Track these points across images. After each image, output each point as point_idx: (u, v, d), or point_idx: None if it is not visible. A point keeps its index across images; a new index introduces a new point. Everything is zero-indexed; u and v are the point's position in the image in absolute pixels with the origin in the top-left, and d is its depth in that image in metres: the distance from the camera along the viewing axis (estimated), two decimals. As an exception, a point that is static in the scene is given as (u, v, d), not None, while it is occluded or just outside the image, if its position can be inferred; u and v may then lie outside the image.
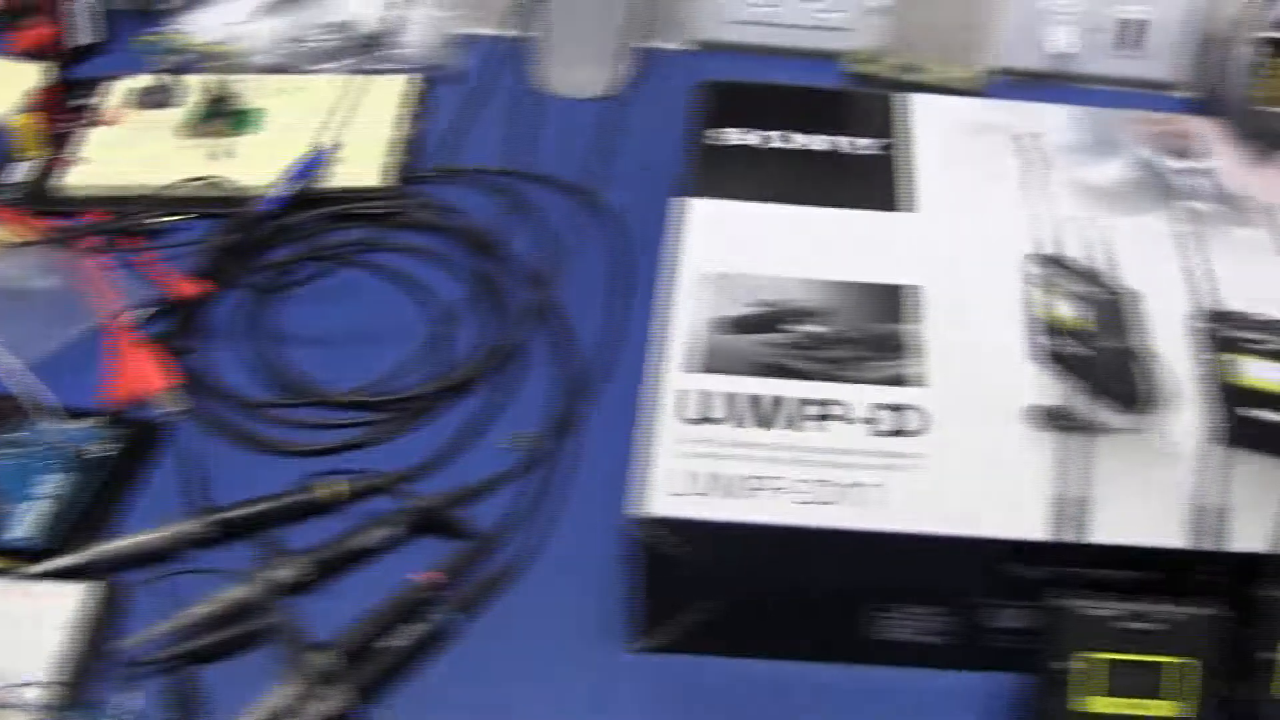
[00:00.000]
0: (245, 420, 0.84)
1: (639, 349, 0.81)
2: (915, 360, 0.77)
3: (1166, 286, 0.81)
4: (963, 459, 0.72)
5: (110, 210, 0.95)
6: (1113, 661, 0.67)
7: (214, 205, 0.96)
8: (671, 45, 1.15)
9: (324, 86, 1.06)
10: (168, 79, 1.05)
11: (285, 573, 0.74)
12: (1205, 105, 1.05)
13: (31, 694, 0.67)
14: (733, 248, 0.83)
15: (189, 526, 0.76)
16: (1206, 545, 0.69)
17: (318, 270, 0.94)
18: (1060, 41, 1.10)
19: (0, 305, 0.88)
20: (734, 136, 0.91)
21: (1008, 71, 1.12)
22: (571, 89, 1.09)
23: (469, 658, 0.73)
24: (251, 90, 1.04)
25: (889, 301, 0.80)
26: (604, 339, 0.89)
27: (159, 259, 0.91)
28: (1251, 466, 0.72)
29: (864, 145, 0.91)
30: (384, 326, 0.90)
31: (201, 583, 0.73)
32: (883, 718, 0.72)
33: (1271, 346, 0.78)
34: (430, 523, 0.78)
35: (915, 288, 0.81)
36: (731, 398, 0.74)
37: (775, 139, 0.91)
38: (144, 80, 1.05)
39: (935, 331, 0.78)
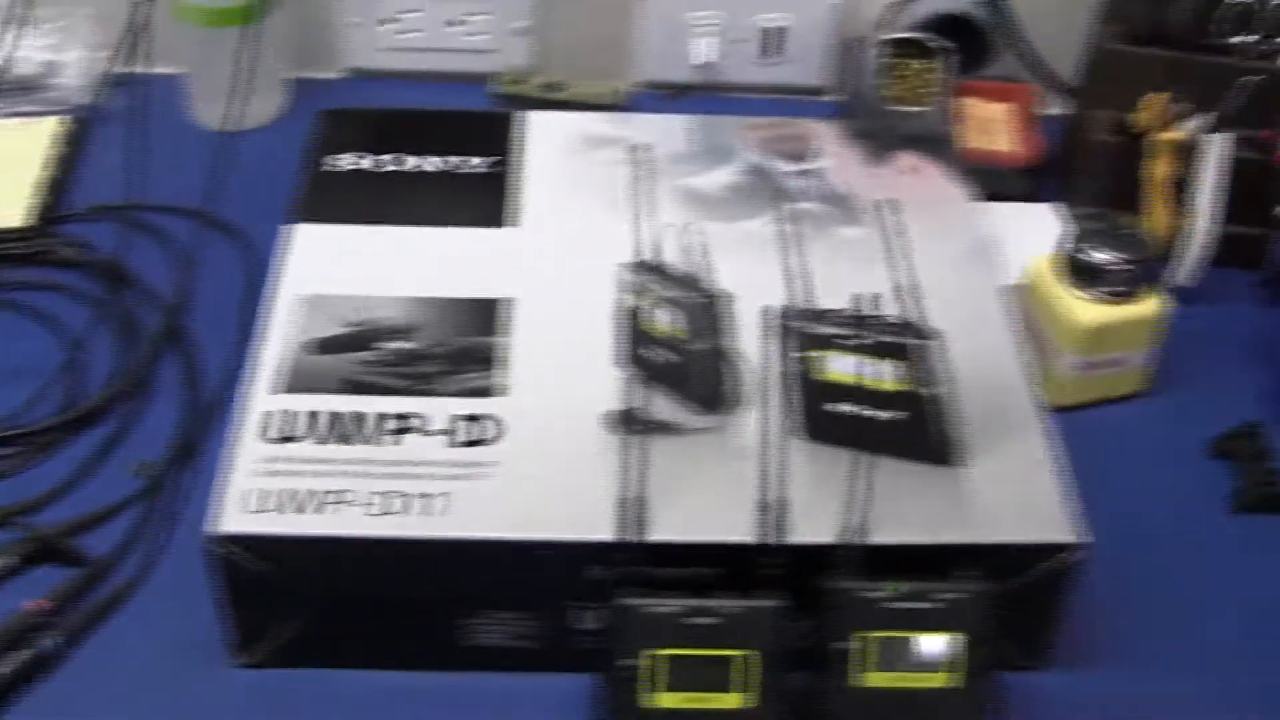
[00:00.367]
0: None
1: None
2: (501, 372, 0.77)
3: (764, 288, 0.83)
4: (535, 465, 0.73)
5: None
6: (674, 657, 0.68)
7: None
8: (329, 75, 1.15)
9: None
10: None
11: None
12: (845, 108, 1.08)
13: None
14: (332, 270, 0.84)
15: None
16: (770, 539, 0.70)
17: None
18: (703, 53, 1.12)
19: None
20: (347, 162, 0.92)
21: (653, 85, 1.14)
22: (225, 122, 1.07)
23: (75, 683, 0.73)
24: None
25: (482, 316, 0.81)
26: (233, 365, 0.88)
27: None
28: (819, 461, 0.74)
29: (477, 164, 0.92)
30: (18, 363, 0.90)
31: None
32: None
33: (856, 342, 0.80)
34: (46, 552, 0.78)
35: (510, 301, 0.81)
36: (314, 416, 0.75)
37: (388, 162, 0.92)
38: None
39: (525, 343, 0.79)
